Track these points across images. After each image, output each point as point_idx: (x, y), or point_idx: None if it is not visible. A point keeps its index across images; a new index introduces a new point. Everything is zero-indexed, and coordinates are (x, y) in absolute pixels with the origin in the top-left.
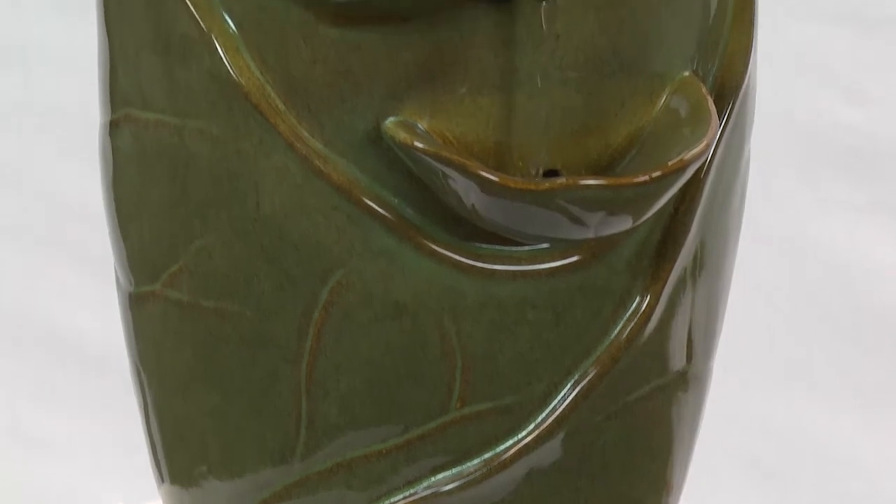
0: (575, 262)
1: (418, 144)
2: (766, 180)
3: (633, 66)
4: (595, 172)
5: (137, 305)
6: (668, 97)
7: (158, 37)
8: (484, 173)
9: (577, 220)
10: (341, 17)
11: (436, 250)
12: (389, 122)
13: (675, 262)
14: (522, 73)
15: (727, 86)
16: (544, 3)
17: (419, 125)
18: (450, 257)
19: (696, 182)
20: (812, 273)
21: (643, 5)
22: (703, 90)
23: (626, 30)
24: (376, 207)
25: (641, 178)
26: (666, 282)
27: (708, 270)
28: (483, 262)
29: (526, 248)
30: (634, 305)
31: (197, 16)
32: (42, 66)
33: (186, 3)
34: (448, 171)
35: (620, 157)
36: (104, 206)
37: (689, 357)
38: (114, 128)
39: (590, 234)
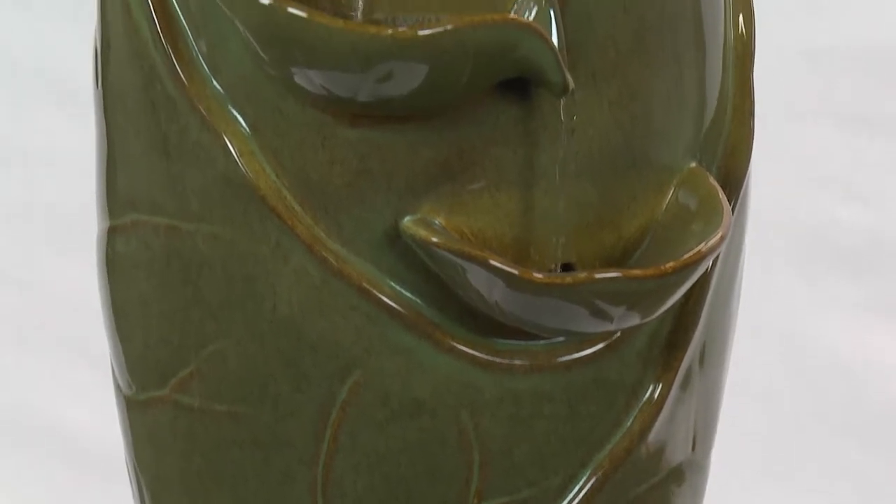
0: (590, 354)
1: (441, 241)
2: (766, 277)
3: (644, 159)
4: (609, 265)
5: (139, 410)
6: (677, 189)
7: (167, 141)
8: (510, 269)
9: (599, 314)
10: (361, 118)
11: (454, 346)
12: (408, 220)
13: (685, 351)
14: (540, 167)
15: (731, 176)
16: (564, 98)
17: (437, 222)
18: (468, 353)
19: (705, 272)
20: (811, 370)
21: (654, 98)
22: (712, 181)
23: (638, 123)
24: (395, 306)
25: (663, 270)
26: (677, 371)
27: (711, 360)
28: (501, 357)
29: (542, 342)
30: (647, 396)
31: (210, 120)
32: (43, 165)
33: (198, 108)
34: (471, 266)
35: (633, 250)
36: (102, 312)
37: (693, 446)
38: (117, 233)
39: (610, 327)
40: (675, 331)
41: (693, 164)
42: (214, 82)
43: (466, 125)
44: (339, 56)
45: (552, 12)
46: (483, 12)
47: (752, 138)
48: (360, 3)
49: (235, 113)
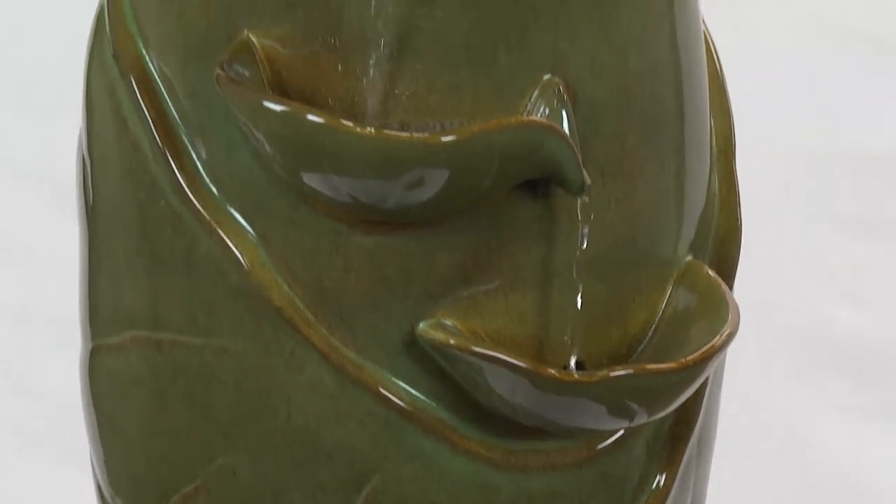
0: (599, 450)
1: (462, 344)
2: (767, 382)
3: (648, 254)
4: (616, 362)
5: None
6: (677, 283)
7: (173, 256)
8: (536, 369)
9: (620, 411)
10: (377, 225)
11: (470, 449)
12: (424, 324)
13: (688, 443)
14: (555, 266)
15: (722, 267)
16: (581, 196)
17: (453, 325)
18: (484, 455)
19: None
20: (810, 473)
21: (655, 194)
22: (712, 274)
23: (642, 218)
24: (412, 410)
25: (685, 363)
26: (680, 463)
27: (705, 450)
28: (515, 457)
29: (555, 441)
30: (653, 488)
31: (218, 233)
32: (44, 267)
33: (206, 221)
34: (493, 368)
35: (637, 345)
36: (88, 430)
37: None
38: (113, 351)
39: (628, 424)
40: (678, 424)
41: (690, 258)
42: (220, 194)
43: (482, 227)
44: (369, 164)
45: (564, 112)
46: (496, 115)
47: (741, 230)
48: (374, 109)
49: (245, 224)
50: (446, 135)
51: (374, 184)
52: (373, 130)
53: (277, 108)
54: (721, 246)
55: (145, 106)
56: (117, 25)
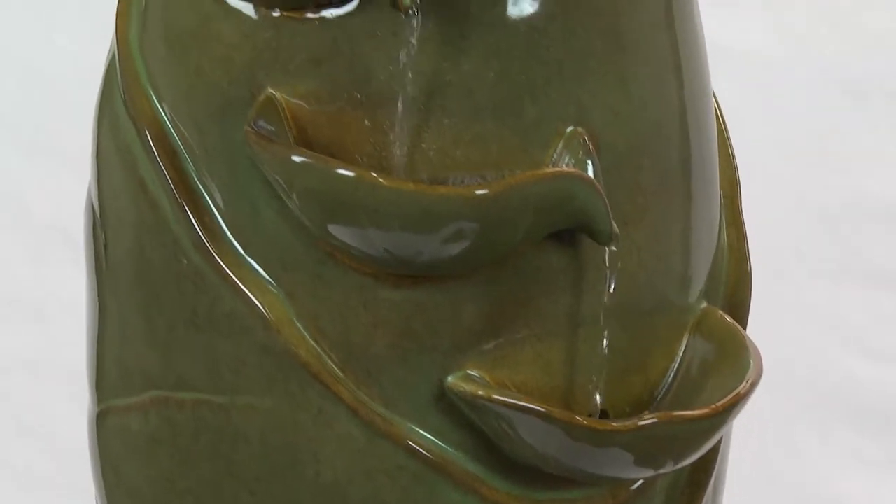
0: (623, 499)
1: (494, 396)
2: (784, 436)
3: (666, 301)
4: (638, 410)
5: None
6: (694, 329)
7: (196, 315)
8: (571, 420)
9: (649, 459)
10: (405, 279)
11: (499, 501)
12: (453, 377)
13: (706, 489)
14: (581, 316)
15: (735, 315)
16: (609, 246)
17: (481, 377)
18: None
19: None
20: None
21: (674, 241)
22: (728, 319)
23: (661, 266)
24: (441, 463)
25: (715, 409)
26: None
27: (719, 494)
28: None
29: (579, 491)
30: None
31: (243, 290)
32: (59, 318)
33: (230, 279)
34: (526, 419)
35: (657, 393)
36: (97, 491)
37: None
38: (131, 412)
39: (654, 472)
40: (696, 471)
41: (704, 304)
42: (244, 251)
43: (509, 278)
44: (409, 218)
45: (590, 162)
46: (522, 166)
47: (751, 277)
48: (401, 164)
49: (270, 281)
50: (483, 188)
51: (411, 238)
52: (412, 184)
53: (314, 163)
54: (733, 293)
55: (164, 165)
56: (131, 84)
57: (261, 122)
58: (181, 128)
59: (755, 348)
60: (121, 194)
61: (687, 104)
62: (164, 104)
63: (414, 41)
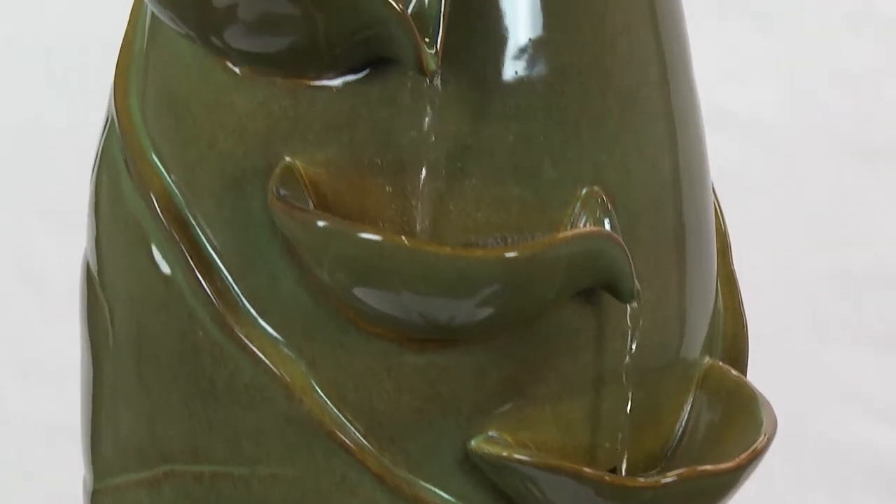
0: None
1: (521, 457)
2: (800, 500)
3: (675, 358)
4: (650, 466)
5: None
6: (699, 383)
7: (214, 387)
8: (601, 478)
9: None
10: (429, 343)
11: None
12: (477, 439)
13: None
14: (601, 374)
15: (735, 369)
16: (631, 303)
17: (505, 438)
18: None
19: None
20: None
21: (684, 297)
22: (735, 373)
23: (670, 322)
24: None
25: (740, 462)
26: None
27: None
28: None
29: None
30: None
31: (264, 361)
32: (76, 384)
33: (250, 350)
34: (554, 478)
35: (668, 448)
36: None
37: None
38: (142, 487)
39: None
40: None
41: (708, 359)
42: (264, 321)
43: (531, 339)
44: (446, 283)
45: (608, 221)
46: (541, 227)
47: (747, 330)
48: (423, 229)
49: (291, 350)
50: (516, 250)
51: (447, 302)
52: (449, 248)
53: (345, 230)
54: (731, 347)
55: (178, 237)
56: (137, 158)
57: (281, 191)
58: (192, 198)
59: (765, 400)
60: (128, 268)
61: (690, 162)
62: (172, 175)
63: (435, 106)
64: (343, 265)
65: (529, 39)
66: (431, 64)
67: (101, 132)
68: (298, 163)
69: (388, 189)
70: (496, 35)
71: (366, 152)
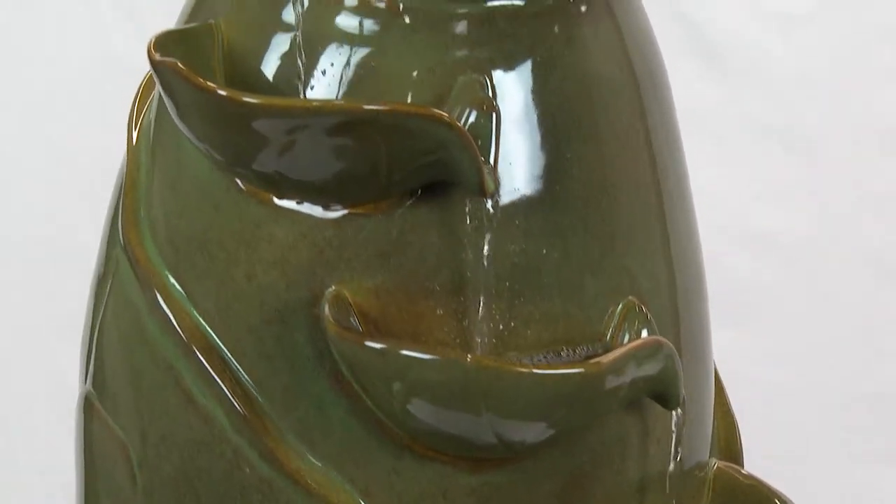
0: None
1: None
2: None
3: (699, 461)
4: None
5: None
6: (710, 485)
7: None
8: None
9: None
10: (485, 462)
11: None
12: None
13: None
14: (646, 483)
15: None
16: (676, 411)
17: None
18: None
19: None
20: None
21: (701, 402)
22: (746, 472)
23: (694, 427)
24: None
25: None
26: None
27: None
28: None
29: None
30: None
31: (317, 492)
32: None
33: (302, 483)
34: None
35: None
36: None
37: None
38: None
39: None
40: None
41: (715, 461)
42: (313, 453)
43: (581, 452)
44: (532, 403)
45: (645, 331)
46: (585, 339)
47: (738, 429)
48: (475, 348)
49: (343, 480)
50: (586, 366)
51: (526, 423)
52: (533, 369)
53: (424, 357)
54: (725, 449)
55: (217, 376)
56: (168, 299)
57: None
58: (228, 334)
59: (787, 499)
60: (162, 413)
61: (699, 264)
62: (202, 312)
63: (489, 226)
64: (423, 390)
65: (567, 157)
66: (491, 185)
67: (96, 276)
68: (346, 291)
69: (439, 311)
70: (539, 152)
71: (416, 276)
